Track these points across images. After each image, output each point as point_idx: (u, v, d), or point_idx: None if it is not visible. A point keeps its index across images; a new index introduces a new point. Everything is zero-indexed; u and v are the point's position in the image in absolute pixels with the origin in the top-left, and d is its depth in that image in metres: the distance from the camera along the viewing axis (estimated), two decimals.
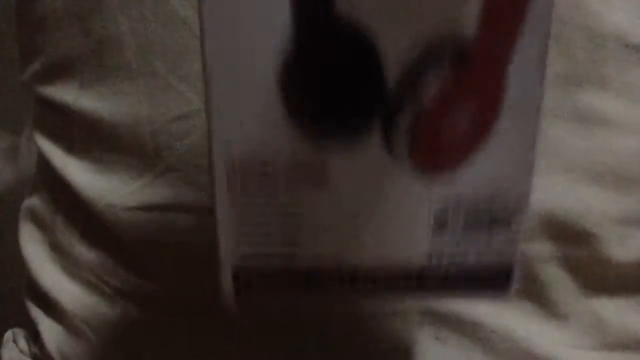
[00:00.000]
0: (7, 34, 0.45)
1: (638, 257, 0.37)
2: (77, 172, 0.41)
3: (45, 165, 0.42)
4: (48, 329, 0.43)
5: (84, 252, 0.42)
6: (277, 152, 0.25)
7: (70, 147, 0.41)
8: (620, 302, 0.38)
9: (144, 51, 0.37)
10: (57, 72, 0.40)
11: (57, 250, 0.43)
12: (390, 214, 0.26)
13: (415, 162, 0.25)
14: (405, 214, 0.26)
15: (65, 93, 0.40)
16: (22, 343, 0.45)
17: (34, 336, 0.44)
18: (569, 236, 0.36)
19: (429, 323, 0.36)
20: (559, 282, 0.37)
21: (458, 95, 0.24)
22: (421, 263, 0.27)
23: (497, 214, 0.26)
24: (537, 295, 0.37)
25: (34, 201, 0.44)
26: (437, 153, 0.25)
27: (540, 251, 0.36)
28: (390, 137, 0.25)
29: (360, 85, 0.24)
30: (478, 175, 0.25)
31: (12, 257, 0.46)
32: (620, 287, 0.38)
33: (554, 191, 0.35)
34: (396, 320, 0.36)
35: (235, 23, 0.23)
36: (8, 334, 0.46)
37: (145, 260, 0.40)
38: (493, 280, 0.27)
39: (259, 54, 0.24)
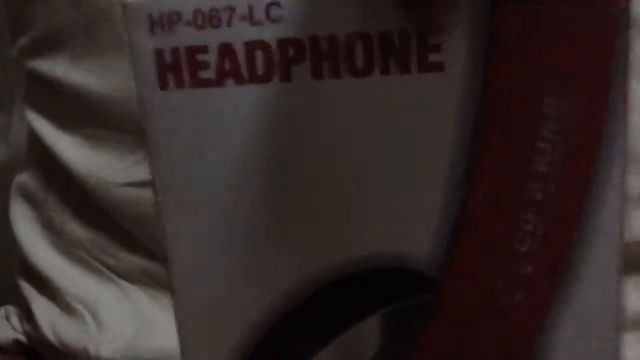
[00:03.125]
0: None
1: (638, 237, 0.37)
2: (68, 148, 0.40)
3: (36, 142, 0.42)
4: (41, 306, 0.43)
5: (77, 229, 0.41)
6: None
7: (62, 123, 0.40)
8: None
9: None
10: (47, 46, 0.39)
11: (50, 227, 0.43)
12: None
13: None
14: None
15: (55, 67, 0.39)
16: (15, 321, 0.45)
17: (27, 314, 0.44)
18: None
19: None
20: None
21: None
22: None
23: None
24: None
25: (25, 178, 0.44)
26: None
27: None
28: None
29: None
30: None
31: (4, 234, 0.45)
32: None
33: None
34: None
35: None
36: (0, 312, 0.46)
37: (138, 237, 0.40)
38: None
39: None
